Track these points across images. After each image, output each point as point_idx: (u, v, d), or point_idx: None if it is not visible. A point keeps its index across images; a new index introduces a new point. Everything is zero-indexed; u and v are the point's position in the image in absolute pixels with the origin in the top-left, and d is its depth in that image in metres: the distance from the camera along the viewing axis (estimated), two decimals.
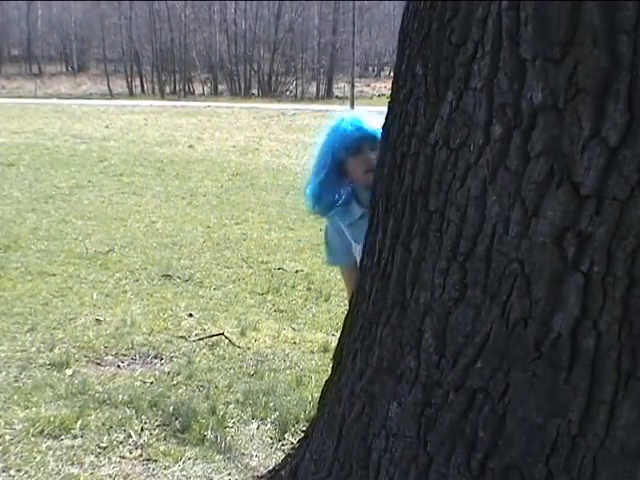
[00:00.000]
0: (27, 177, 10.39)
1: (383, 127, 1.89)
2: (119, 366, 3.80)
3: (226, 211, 8.39)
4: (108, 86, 46.61)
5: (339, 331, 2.15)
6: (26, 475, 2.68)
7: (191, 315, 4.64)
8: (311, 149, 2.52)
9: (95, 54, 56.76)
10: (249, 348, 4.09)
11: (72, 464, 2.77)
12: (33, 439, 2.92)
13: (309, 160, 2.50)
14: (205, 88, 49.88)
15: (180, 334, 4.28)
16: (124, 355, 3.94)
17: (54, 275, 5.44)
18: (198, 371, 3.69)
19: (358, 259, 2.43)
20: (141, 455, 2.87)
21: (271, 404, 3.30)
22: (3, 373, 3.59)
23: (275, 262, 6.08)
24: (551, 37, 1.36)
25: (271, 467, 2.65)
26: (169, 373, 3.68)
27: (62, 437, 2.96)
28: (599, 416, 1.43)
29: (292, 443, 2.88)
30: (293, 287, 5.36)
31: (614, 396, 1.42)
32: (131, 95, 46.42)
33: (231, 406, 3.31)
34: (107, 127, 19.43)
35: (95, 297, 4.96)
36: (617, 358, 1.40)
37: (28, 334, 4.15)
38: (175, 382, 3.57)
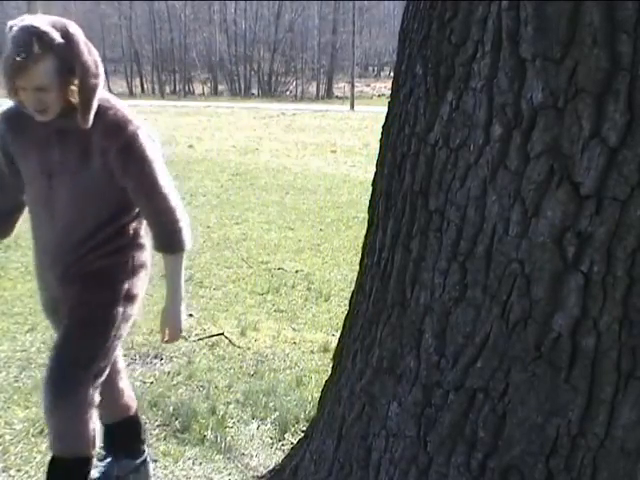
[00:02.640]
0: None
1: (383, 127, 1.89)
2: None
3: (226, 211, 8.39)
4: (108, 86, 46.58)
5: (339, 331, 2.15)
6: (26, 475, 2.68)
7: (191, 315, 4.63)
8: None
9: None
10: (249, 348, 4.09)
11: None
12: (33, 439, 2.92)
13: None
14: (205, 88, 49.89)
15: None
16: (124, 355, 3.93)
17: None
18: (198, 371, 3.69)
19: None
20: None
21: (271, 404, 3.30)
22: (3, 373, 3.58)
23: (275, 262, 6.07)
24: (551, 37, 1.36)
25: (271, 467, 2.65)
26: (169, 373, 3.68)
27: None
28: (599, 416, 1.43)
29: (292, 443, 2.88)
30: (293, 287, 5.36)
31: (614, 396, 1.42)
32: (131, 95, 46.41)
33: (231, 406, 3.31)
34: None
35: None
36: (617, 358, 1.40)
37: (28, 334, 4.14)
38: (175, 382, 3.57)
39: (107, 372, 2.17)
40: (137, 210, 2.15)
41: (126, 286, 2.15)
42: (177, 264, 2.17)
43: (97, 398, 2.13)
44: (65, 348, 2.12)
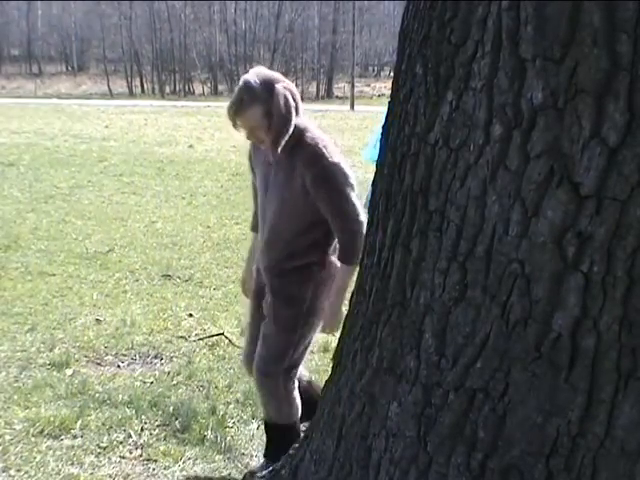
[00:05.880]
0: (27, 177, 10.39)
1: (383, 127, 1.89)
2: (119, 366, 3.80)
3: (226, 211, 8.39)
4: (108, 86, 46.61)
5: (339, 331, 2.15)
6: (26, 475, 2.68)
7: (191, 315, 4.64)
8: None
9: (95, 54, 56.76)
10: None
11: (72, 464, 2.77)
12: (33, 439, 2.93)
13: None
14: (205, 88, 49.88)
15: (180, 334, 4.28)
16: (124, 355, 3.94)
17: (54, 275, 5.44)
18: (198, 371, 3.69)
19: None
20: (141, 455, 2.87)
21: None
22: (3, 373, 3.59)
23: None
24: (551, 37, 1.36)
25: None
26: (169, 373, 3.68)
27: (62, 437, 2.97)
28: (599, 416, 1.43)
29: None
30: None
31: (614, 396, 1.42)
32: (131, 95, 46.42)
33: (231, 406, 3.32)
34: (107, 127, 19.43)
35: (95, 297, 4.96)
36: (617, 358, 1.40)
37: (28, 334, 4.15)
38: (175, 382, 3.57)
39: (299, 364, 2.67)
40: (329, 228, 2.51)
41: (312, 290, 2.57)
42: (346, 274, 2.51)
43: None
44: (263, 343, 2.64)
